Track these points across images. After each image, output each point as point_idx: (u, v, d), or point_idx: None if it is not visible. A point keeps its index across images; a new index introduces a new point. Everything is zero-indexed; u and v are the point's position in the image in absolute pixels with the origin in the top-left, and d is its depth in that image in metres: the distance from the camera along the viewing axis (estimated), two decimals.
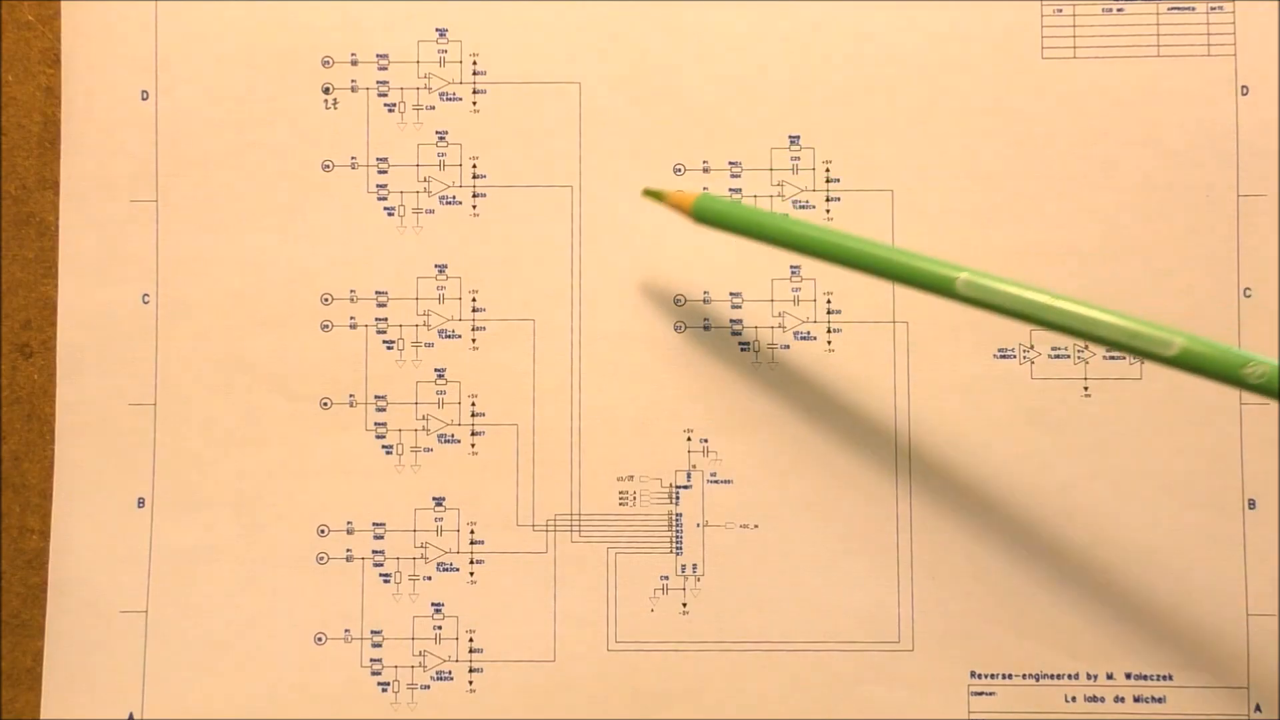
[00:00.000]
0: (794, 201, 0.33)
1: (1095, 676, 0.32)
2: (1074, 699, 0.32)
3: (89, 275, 0.33)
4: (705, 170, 0.33)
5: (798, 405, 0.33)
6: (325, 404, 0.33)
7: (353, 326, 0.33)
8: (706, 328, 0.33)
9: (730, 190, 0.33)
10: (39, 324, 0.33)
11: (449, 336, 0.33)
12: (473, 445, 0.33)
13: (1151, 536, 0.32)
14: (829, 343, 0.33)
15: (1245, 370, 0.25)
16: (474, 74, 0.33)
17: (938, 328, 0.33)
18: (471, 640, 0.33)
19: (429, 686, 0.32)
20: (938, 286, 0.27)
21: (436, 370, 0.33)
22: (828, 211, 0.33)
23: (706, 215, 0.30)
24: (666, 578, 0.32)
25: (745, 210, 0.30)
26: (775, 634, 0.32)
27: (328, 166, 0.33)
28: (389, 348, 0.33)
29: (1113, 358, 0.32)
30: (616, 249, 0.33)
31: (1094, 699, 0.32)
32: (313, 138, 0.33)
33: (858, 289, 0.33)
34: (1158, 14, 0.33)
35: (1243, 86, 0.33)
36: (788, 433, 0.33)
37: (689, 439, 0.33)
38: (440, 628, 0.33)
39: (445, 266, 0.33)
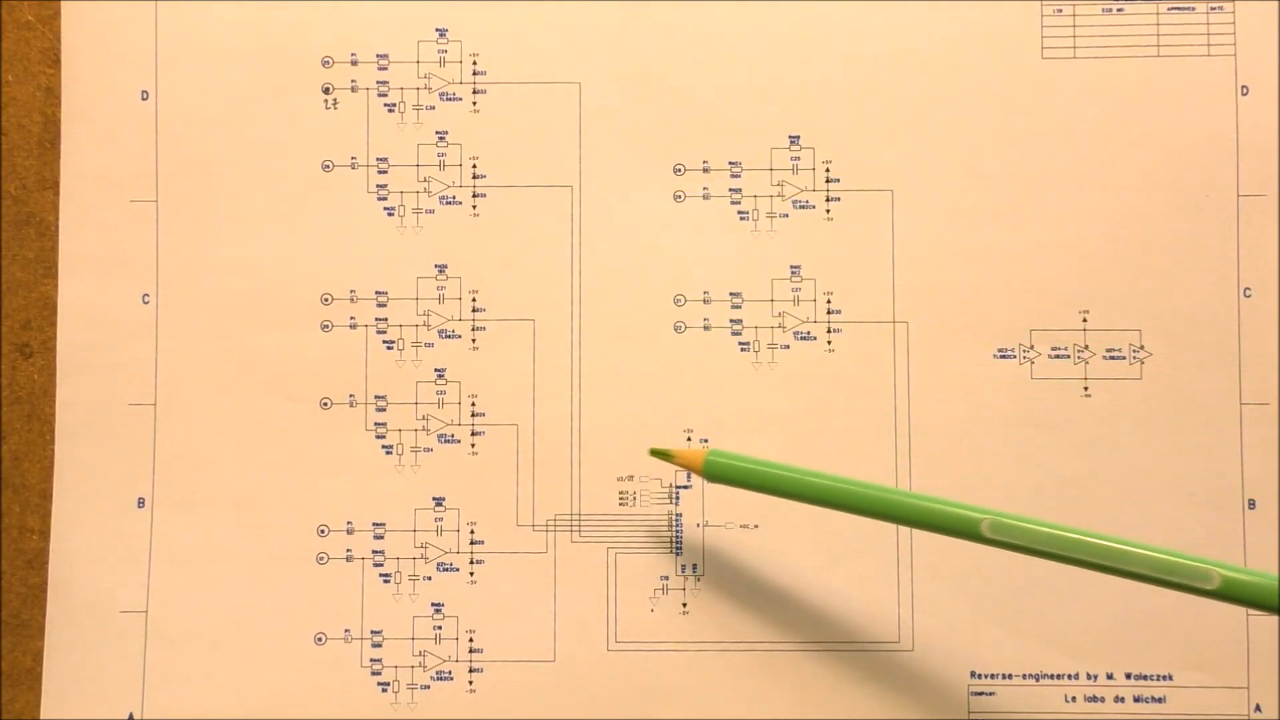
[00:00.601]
0: (794, 201, 0.33)
1: (1095, 676, 0.32)
2: (1074, 699, 0.32)
3: (89, 275, 0.33)
4: (705, 170, 0.33)
5: (798, 405, 0.33)
6: (325, 404, 0.33)
7: (353, 326, 0.33)
8: (706, 328, 0.33)
9: (730, 190, 0.33)
10: (39, 324, 0.33)
11: (449, 336, 0.33)
12: (473, 445, 0.33)
13: (1151, 536, 0.32)
14: (829, 343, 0.33)
15: None
16: (474, 74, 0.33)
17: (938, 328, 0.33)
18: (471, 640, 0.33)
19: (429, 686, 0.32)
20: (962, 530, 0.27)
21: (436, 370, 0.33)
22: (828, 211, 0.33)
23: (717, 473, 0.29)
24: (666, 578, 0.32)
25: (757, 466, 0.29)
26: (775, 634, 0.32)
27: (328, 166, 0.33)
28: (389, 348, 0.33)
29: (1112, 358, 0.32)
30: (616, 249, 0.33)
31: (1094, 699, 0.32)
32: (313, 138, 0.33)
33: (858, 289, 0.33)
34: (1158, 14, 0.33)
35: (1243, 86, 0.33)
36: (788, 433, 0.33)
37: (689, 439, 0.33)
38: (440, 628, 0.33)
39: (445, 266, 0.33)
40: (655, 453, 0.31)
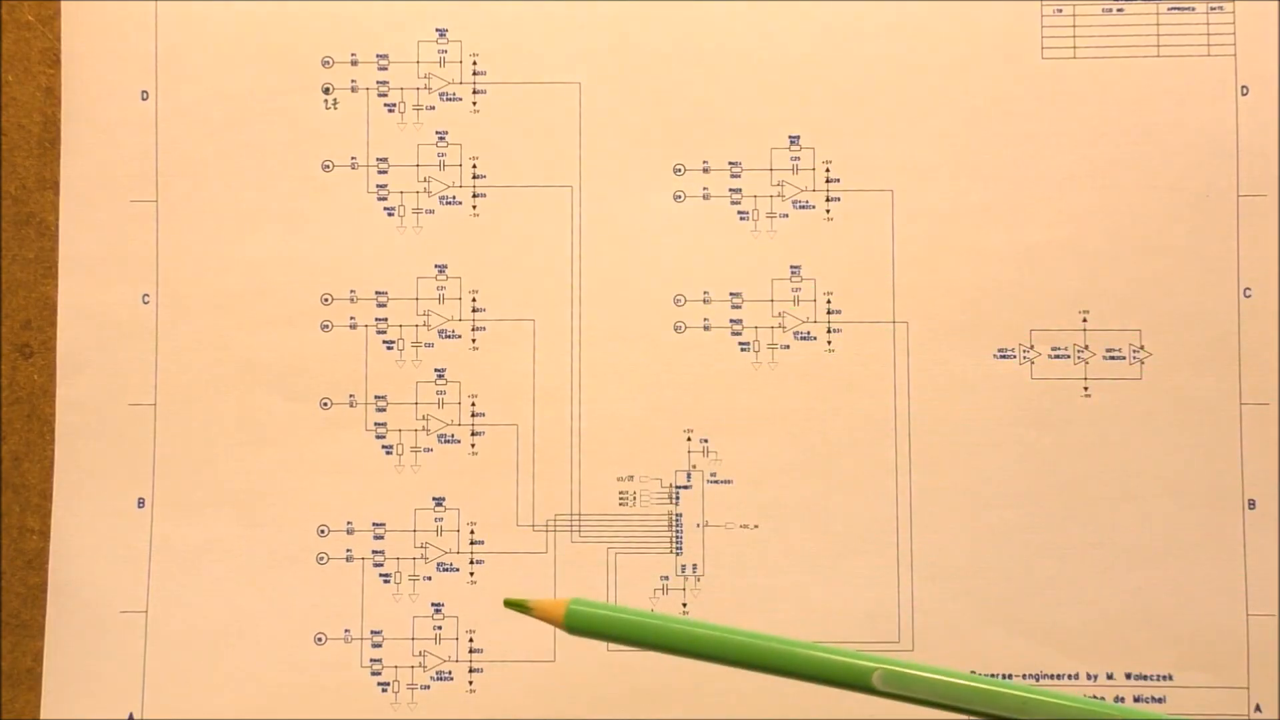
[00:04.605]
0: (794, 201, 0.33)
1: (1095, 676, 0.32)
2: None
3: (89, 275, 0.33)
4: (705, 170, 0.33)
5: (798, 405, 0.33)
6: (325, 404, 0.33)
7: (353, 326, 0.33)
8: (706, 328, 0.33)
9: (730, 190, 0.33)
10: (39, 324, 0.33)
11: (449, 336, 0.33)
12: (473, 445, 0.33)
13: (1151, 536, 0.32)
14: (829, 343, 0.33)
15: None
16: (474, 74, 0.33)
17: (938, 328, 0.33)
18: (471, 640, 0.33)
19: (429, 686, 0.32)
20: (852, 682, 0.24)
21: (436, 370, 0.33)
22: (828, 211, 0.33)
23: (580, 625, 0.25)
24: (666, 578, 0.32)
25: (624, 615, 0.24)
26: (775, 634, 0.32)
27: (328, 166, 0.33)
28: (389, 348, 0.33)
29: (1112, 358, 0.32)
30: (616, 249, 0.33)
31: (1094, 699, 0.32)
32: (313, 138, 0.33)
33: (858, 289, 0.33)
34: (1158, 14, 0.33)
35: (1243, 86, 0.33)
36: (788, 433, 0.33)
37: (689, 439, 0.33)
38: (440, 628, 0.33)
39: (445, 266, 0.33)
40: (510, 604, 0.25)
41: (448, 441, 0.33)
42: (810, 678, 0.24)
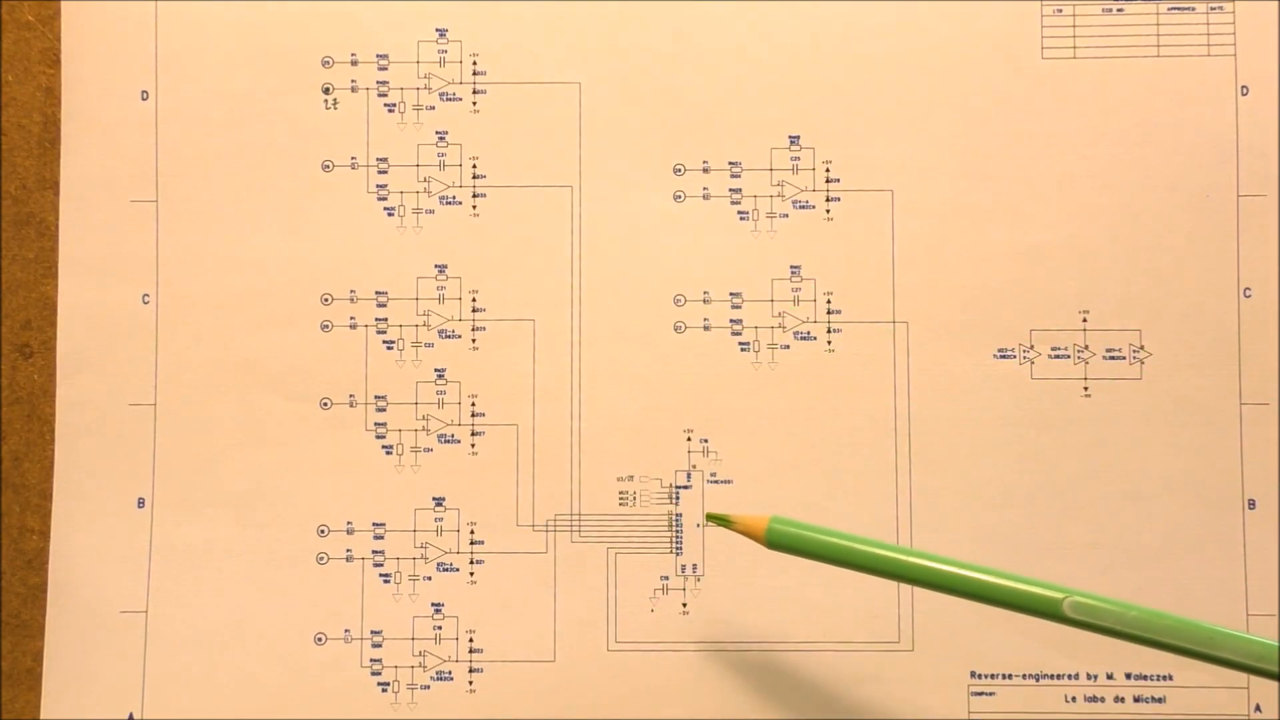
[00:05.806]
0: (794, 202, 0.33)
1: (1095, 676, 0.32)
2: (1074, 699, 0.32)
3: (89, 275, 0.33)
4: (705, 170, 0.33)
5: (798, 405, 0.33)
6: (325, 404, 0.33)
7: (353, 326, 0.33)
8: (706, 328, 0.33)
9: (730, 190, 0.33)
10: (39, 324, 0.33)
11: (449, 336, 0.33)
12: (473, 445, 0.33)
13: (1151, 536, 0.32)
14: (829, 343, 0.33)
15: None
16: (474, 74, 0.33)
17: (938, 328, 0.33)
18: (471, 640, 0.33)
19: (429, 686, 0.32)
20: (1044, 610, 0.25)
21: (436, 370, 0.33)
22: (828, 211, 0.33)
23: (780, 541, 0.27)
24: (666, 578, 0.32)
25: (822, 535, 0.27)
26: (775, 634, 0.32)
27: (328, 166, 0.33)
28: (389, 348, 0.33)
29: (1112, 358, 0.32)
30: (616, 249, 0.33)
31: (1094, 699, 0.32)
32: (313, 138, 0.33)
33: (858, 289, 0.33)
34: (1158, 14, 0.33)
35: (1243, 86, 0.33)
36: (788, 433, 0.33)
37: (689, 439, 0.33)
38: (440, 628, 0.33)
39: (445, 266, 0.33)
40: (712, 518, 0.29)
41: (448, 441, 0.33)
42: (1003, 604, 0.25)
